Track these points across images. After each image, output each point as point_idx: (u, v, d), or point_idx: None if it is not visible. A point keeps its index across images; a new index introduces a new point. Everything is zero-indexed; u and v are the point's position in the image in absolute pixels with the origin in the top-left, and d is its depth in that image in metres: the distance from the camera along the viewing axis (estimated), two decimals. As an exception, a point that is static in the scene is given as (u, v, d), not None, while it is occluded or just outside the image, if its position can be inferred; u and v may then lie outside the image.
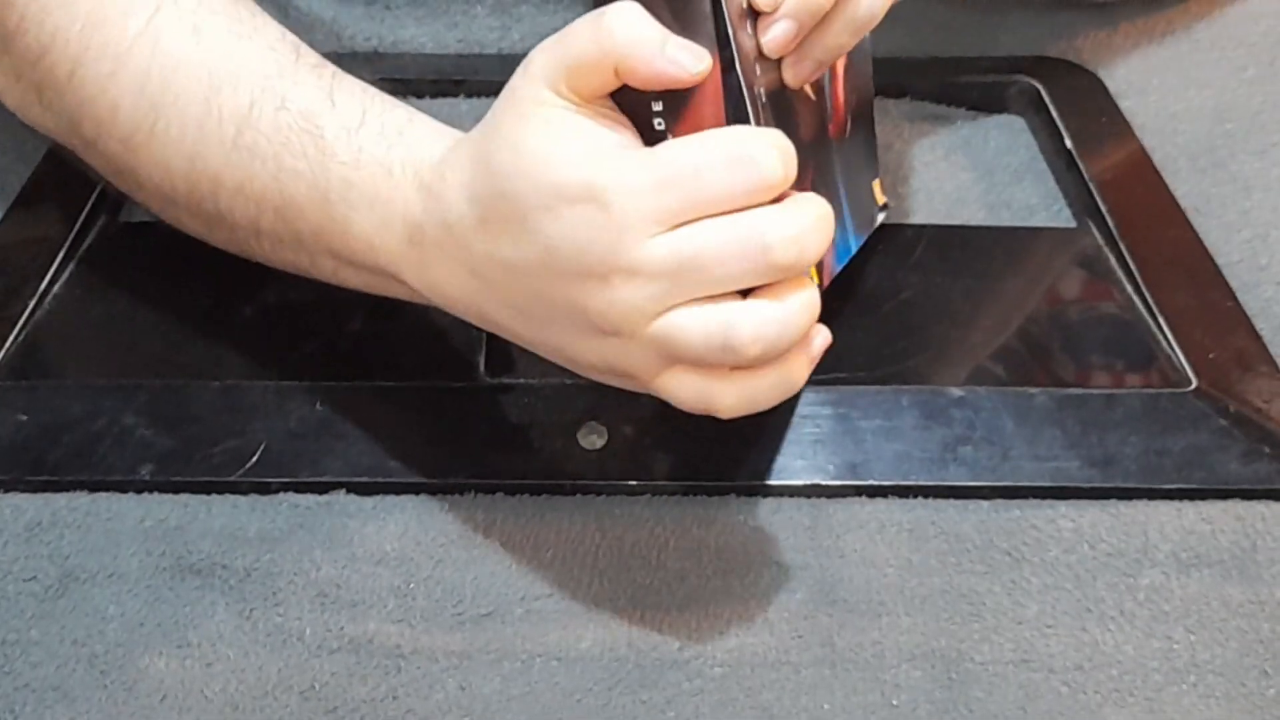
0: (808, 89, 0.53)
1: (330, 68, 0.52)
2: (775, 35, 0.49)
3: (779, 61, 0.51)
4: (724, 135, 0.42)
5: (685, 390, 0.44)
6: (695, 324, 0.42)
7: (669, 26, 0.44)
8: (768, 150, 0.42)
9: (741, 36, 0.48)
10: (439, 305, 0.49)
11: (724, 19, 0.45)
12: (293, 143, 0.50)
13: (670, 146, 0.42)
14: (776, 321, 0.42)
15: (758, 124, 0.47)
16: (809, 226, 0.42)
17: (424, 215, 0.47)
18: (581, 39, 0.43)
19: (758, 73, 0.49)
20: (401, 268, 0.49)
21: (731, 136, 0.42)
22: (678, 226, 0.42)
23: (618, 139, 0.43)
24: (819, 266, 0.55)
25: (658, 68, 0.42)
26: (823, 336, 0.45)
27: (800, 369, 0.44)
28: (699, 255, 0.41)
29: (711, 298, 0.42)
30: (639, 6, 0.43)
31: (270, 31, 0.53)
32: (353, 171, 0.49)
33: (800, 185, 0.53)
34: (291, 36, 0.54)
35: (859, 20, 0.51)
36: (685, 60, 0.42)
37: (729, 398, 0.44)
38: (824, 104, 0.56)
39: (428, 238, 0.47)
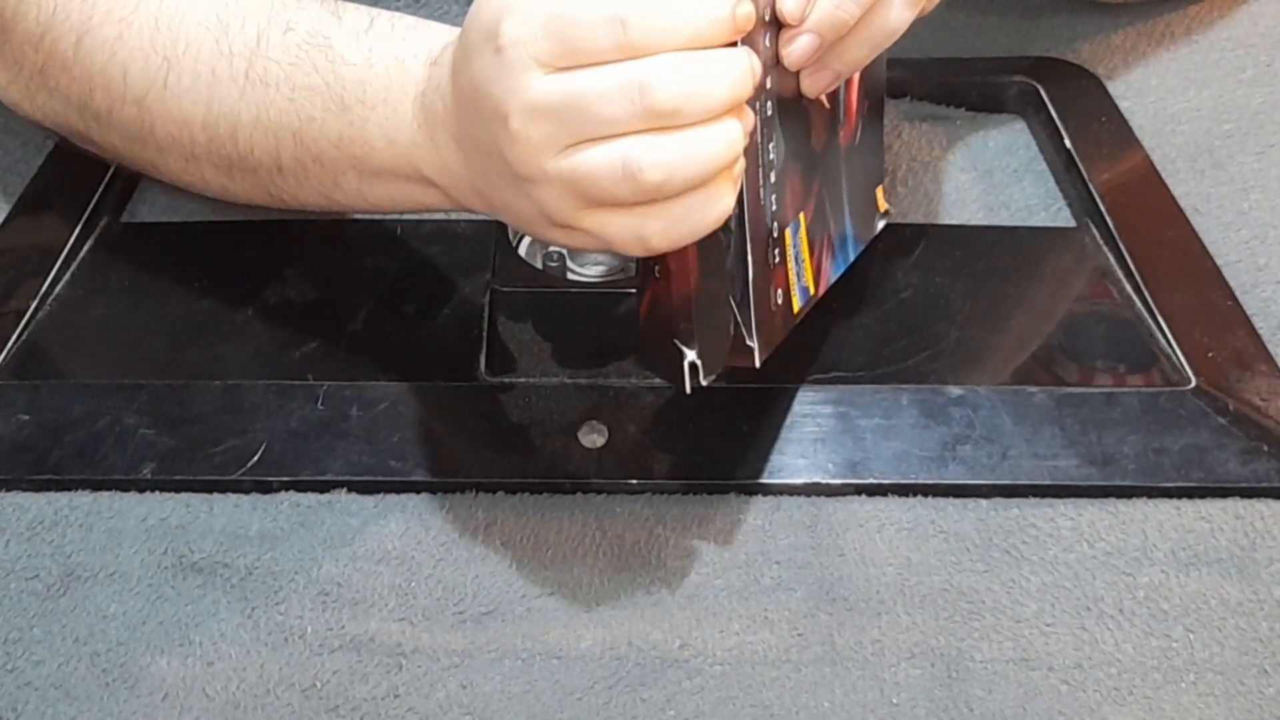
0: (823, 97, 0.53)
1: None
2: (797, 48, 0.49)
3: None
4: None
5: (613, 228, 0.44)
6: (594, 158, 0.43)
7: None
8: (646, 15, 0.42)
9: (759, 44, 0.48)
10: (452, 195, 0.50)
11: None
12: (303, 61, 0.50)
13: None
14: (676, 147, 0.42)
15: (754, 136, 0.47)
16: (700, 75, 0.42)
17: (428, 88, 0.48)
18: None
19: (769, 84, 0.49)
20: (416, 156, 0.49)
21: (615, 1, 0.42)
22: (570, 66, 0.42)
23: None
24: (815, 272, 0.55)
25: None
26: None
27: (724, 190, 0.44)
28: (582, 95, 0.42)
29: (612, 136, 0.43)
30: None
31: None
32: (365, 71, 0.50)
33: (808, 196, 0.54)
34: None
35: (880, 35, 0.51)
36: None
37: (660, 225, 0.44)
38: (837, 111, 0.56)
39: (431, 111, 0.48)
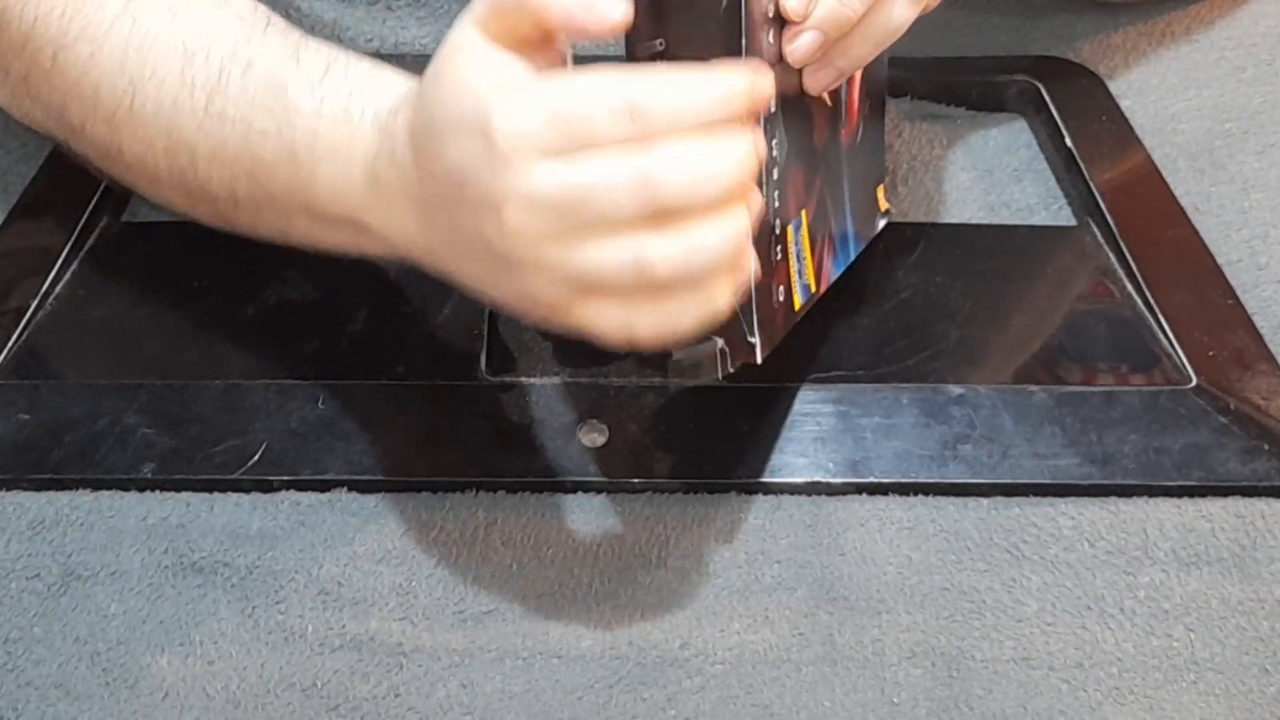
0: (825, 95, 0.53)
1: (298, 32, 0.53)
2: (801, 45, 0.49)
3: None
4: (617, 79, 0.41)
5: (604, 320, 0.44)
6: (601, 252, 0.42)
7: (687, 28, 0.44)
8: (660, 100, 0.41)
9: (762, 42, 0.48)
10: (400, 251, 0.49)
11: (740, 24, 0.45)
12: (259, 102, 0.50)
13: (563, 80, 0.42)
14: (686, 243, 0.41)
15: (769, 137, 0.47)
16: (706, 168, 0.41)
17: (379, 153, 0.48)
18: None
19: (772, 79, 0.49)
20: (364, 213, 0.49)
21: (625, 82, 0.41)
22: (568, 156, 0.41)
23: (521, 71, 0.43)
24: (817, 270, 0.55)
25: (572, 17, 0.42)
26: (753, 263, 0.45)
27: (722, 291, 0.43)
28: (584, 189, 0.41)
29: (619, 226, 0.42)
30: None
31: (242, 2, 0.54)
32: (316, 122, 0.49)
33: (810, 193, 0.54)
34: (264, 8, 0.54)
35: (883, 33, 0.51)
36: (601, 9, 0.42)
37: (648, 325, 0.43)
38: (839, 109, 0.56)
39: (381, 177, 0.47)
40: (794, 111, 0.51)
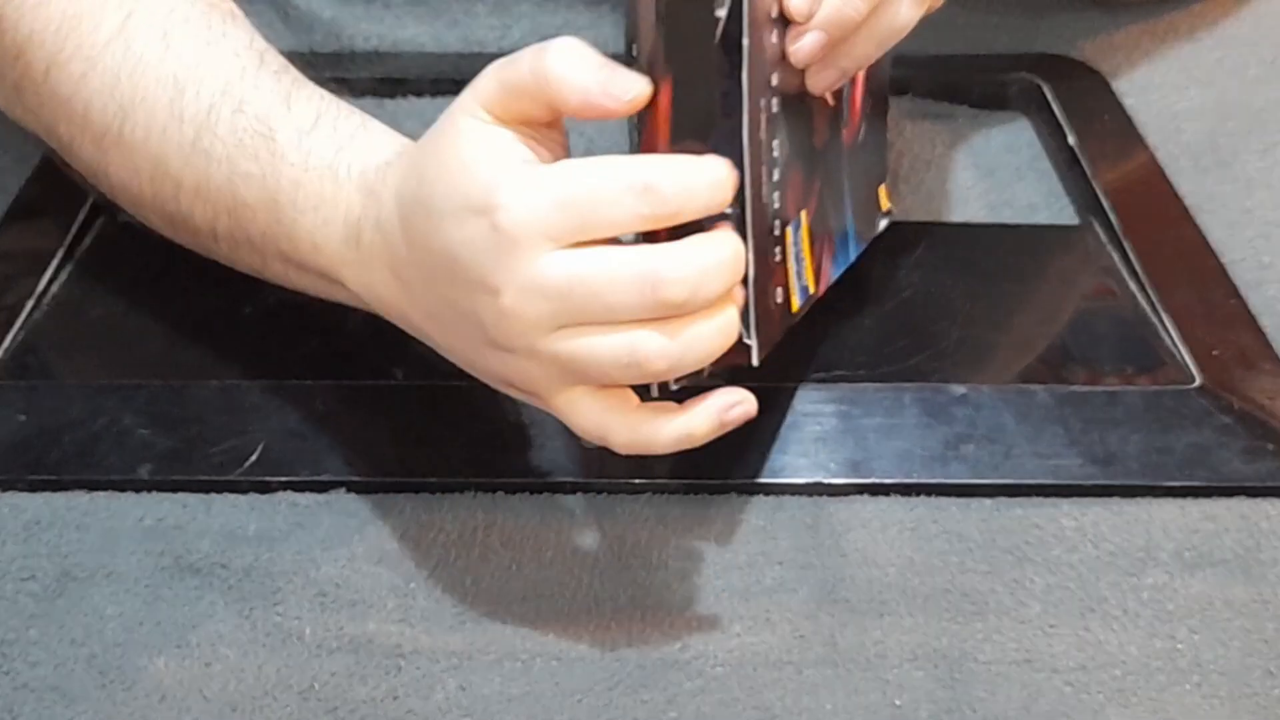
0: (827, 94, 0.53)
1: (292, 74, 0.53)
2: (804, 45, 0.49)
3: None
4: (629, 161, 0.42)
5: (583, 414, 0.45)
6: (599, 345, 0.42)
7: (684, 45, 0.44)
8: (672, 181, 0.42)
9: (765, 42, 0.48)
10: (374, 309, 0.50)
11: (740, 25, 0.45)
12: (246, 145, 0.50)
13: (573, 165, 0.42)
14: (682, 339, 0.42)
15: (754, 135, 0.47)
16: (707, 269, 0.42)
17: (363, 216, 0.47)
18: (521, 67, 0.43)
19: (774, 81, 0.49)
20: (341, 270, 0.49)
21: (635, 163, 0.42)
22: (575, 245, 0.42)
23: (529, 155, 0.43)
24: (816, 271, 0.55)
25: (589, 96, 0.42)
26: (742, 408, 0.46)
27: (703, 425, 0.45)
28: (590, 281, 0.42)
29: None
30: (581, 44, 0.43)
31: (238, 37, 0.54)
32: (301, 174, 0.49)
33: (809, 193, 0.53)
34: (260, 43, 0.54)
35: (888, 33, 0.51)
36: (618, 90, 0.42)
37: (623, 433, 0.45)
38: (841, 109, 0.56)
39: (364, 239, 0.47)
40: (795, 111, 0.51)
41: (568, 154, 0.45)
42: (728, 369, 0.49)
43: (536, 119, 0.44)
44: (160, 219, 0.55)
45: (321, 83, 0.75)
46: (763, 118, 0.48)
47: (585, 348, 0.42)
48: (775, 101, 0.49)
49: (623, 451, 0.45)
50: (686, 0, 0.41)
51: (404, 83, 0.74)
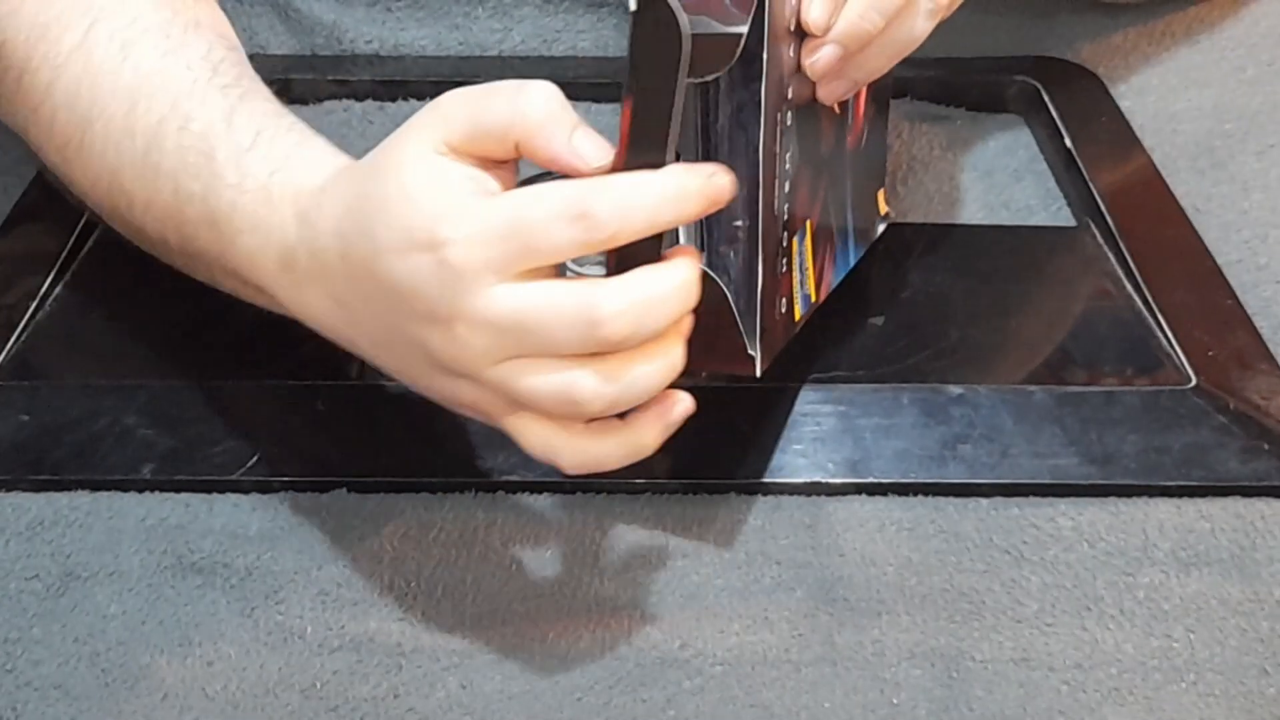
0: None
1: (243, 86, 0.53)
2: (821, 59, 0.50)
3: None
4: (564, 189, 0.42)
5: (530, 437, 0.45)
6: (538, 381, 0.43)
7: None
8: (607, 206, 0.41)
9: (783, 55, 0.48)
10: (312, 327, 0.49)
11: (761, 40, 0.46)
12: (189, 163, 0.50)
13: (512, 197, 0.42)
14: (620, 381, 0.43)
15: (769, 149, 0.47)
16: (650, 303, 0.42)
17: (297, 241, 0.47)
18: (497, 110, 0.43)
19: (789, 94, 0.49)
20: (276, 289, 0.49)
21: (572, 191, 0.42)
22: (523, 276, 0.42)
23: (474, 187, 0.43)
24: (817, 279, 0.55)
25: (558, 153, 0.42)
26: (682, 406, 0.46)
27: (650, 436, 0.45)
28: (531, 317, 0.42)
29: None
30: (557, 94, 0.43)
31: (195, 48, 0.53)
32: (238, 195, 0.49)
33: (814, 201, 0.53)
34: (219, 53, 0.54)
35: (901, 45, 0.52)
36: (586, 153, 0.42)
37: (571, 455, 0.45)
38: (846, 115, 0.56)
39: (299, 263, 0.47)
40: (804, 120, 0.51)
41: (515, 183, 0.45)
42: (729, 376, 0.49)
43: (496, 158, 0.44)
44: (122, 228, 0.56)
45: (320, 85, 0.76)
46: (777, 131, 0.48)
47: (526, 383, 0.43)
48: (789, 114, 0.49)
49: (572, 472, 0.45)
50: (649, 22, 0.41)
51: (405, 85, 0.74)
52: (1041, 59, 0.76)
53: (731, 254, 0.49)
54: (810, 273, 0.54)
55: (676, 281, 0.43)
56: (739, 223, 0.48)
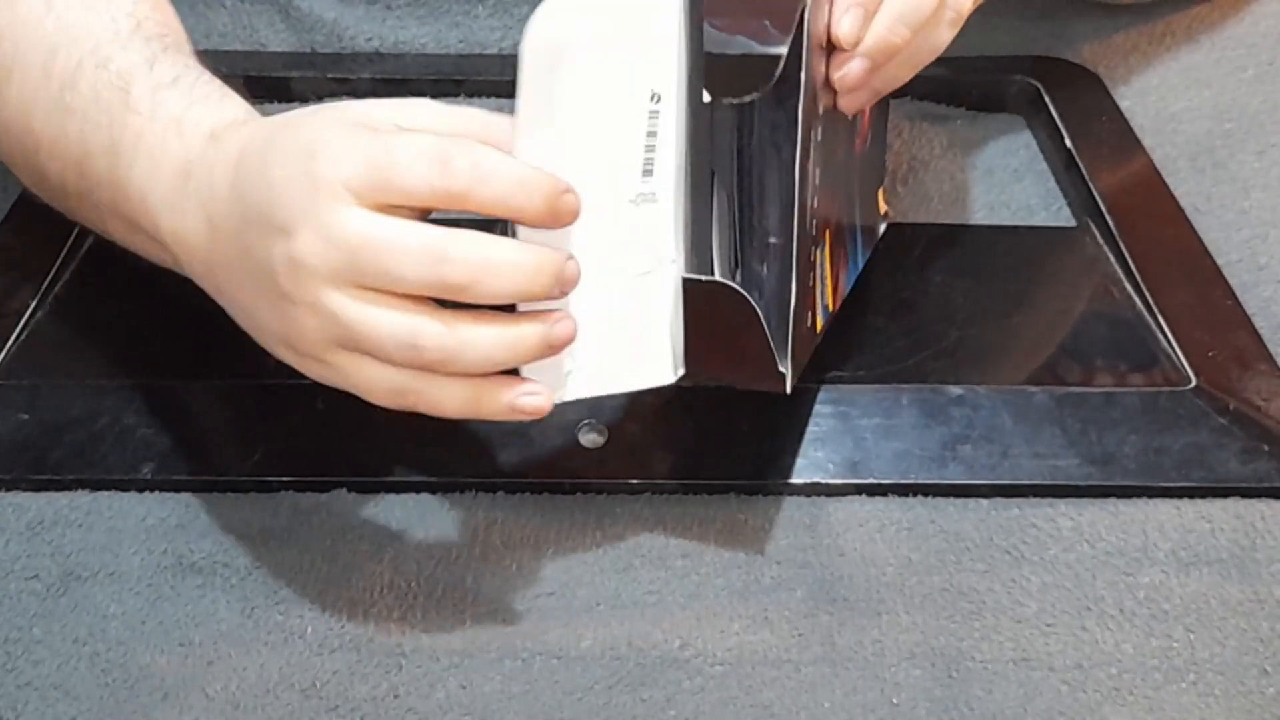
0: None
1: (168, 42, 0.54)
2: (850, 72, 0.50)
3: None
4: (435, 139, 0.43)
5: (365, 374, 0.45)
6: (379, 318, 0.43)
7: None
8: (467, 162, 0.42)
9: (817, 69, 0.48)
10: (180, 261, 0.50)
11: (800, 63, 0.46)
12: (102, 98, 0.51)
13: (390, 135, 0.43)
14: (460, 335, 0.43)
15: (805, 164, 0.48)
16: (492, 260, 0.43)
17: (199, 159, 0.48)
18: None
19: (820, 109, 0.49)
20: (159, 215, 0.49)
21: (442, 141, 0.43)
22: (381, 209, 0.43)
23: (369, 124, 0.44)
24: (834, 289, 0.55)
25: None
26: (534, 398, 0.46)
27: (491, 402, 0.45)
28: (381, 242, 0.42)
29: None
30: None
31: (122, 6, 0.54)
32: (147, 123, 0.50)
33: (830, 212, 0.53)
34: (144, 10, 0.55)
35: (924, 55, 0.53)
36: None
37: (418, 388, 0.45)
38: (854, 120, 0.56)
39: (190, 182, 0.48)
40: (827, 132, 0.51)
41: None
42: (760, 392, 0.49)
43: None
44: (26, 176, 0.57)
45: (320, 83, 0.75)
46: (810, 148, 0.48)
47: (368, 316, 0.43)
48: (819, 130, 0.49)
49: (426, 409, 0.45)
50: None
51: (405, 83, 0.74)
52: (1041, 59, 0.76)
53: (765, 270, 0.48)
54: (829, 283, 0.55)
55: (527, 256, 0.43)
56: (773, 240, 0.48)
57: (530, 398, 0.45)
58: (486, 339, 0.44)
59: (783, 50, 0.46)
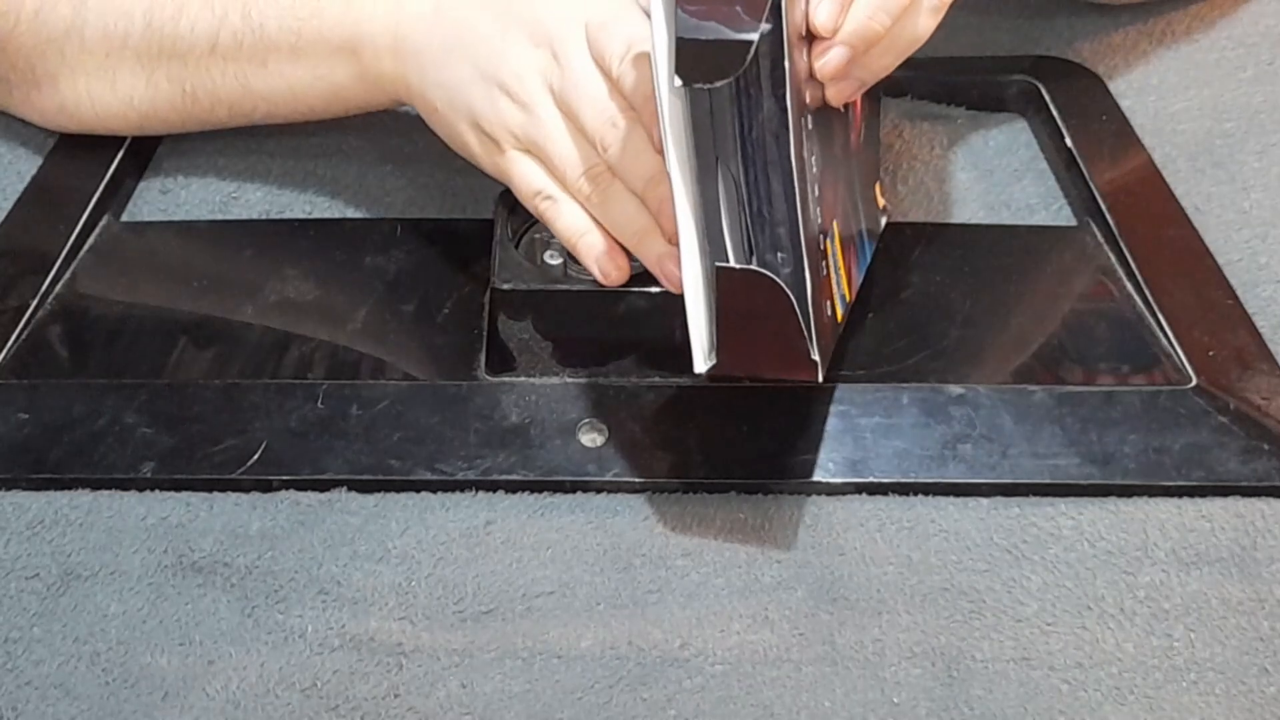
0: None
1: None
2: (830, 60, 0.50)
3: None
4: (617, 110, 0.51)
5: (521, 169, 0.53)
6: (565, 133, 0.52)
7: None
8: (626, 141, 0.51)
9: (798, 60, 0.48)
10: (372, 66, 0.53)
11: (781, 48, 0.46)
12: None
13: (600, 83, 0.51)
14: (610, 189, 0.52)
15: (800, 151, 0.47)
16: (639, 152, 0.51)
17: None
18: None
19: (807, 99, 0.49)
20: (376, 14, 0.53)
21: (621, 113, 0.51)
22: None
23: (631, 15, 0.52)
24: (848, 278, 0.55)
25: None
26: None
27: (653, 242, 0.52)
28: (584, 88, 0.52)
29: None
30: None
31: None
32: None
33: (835, 202, 0.53)
34: None
35: (906, 43, 0.52)
36: None
37: (533, 186, 0.54)
38: (848, 114, 0.56)
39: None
40: (820, 124, 0.51)
41: None
42: (792, 382, 0.49)
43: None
44: (139, 59, 0.57)
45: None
46: (803, 135, 0.48)
47: (557, 121, 0.52)
48: (809, 119, 0.49)
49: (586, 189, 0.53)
50: None
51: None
52: (1041, 59, 0.76)
53: (779, 259, 0.48)
54: (843, 273, 0.54)
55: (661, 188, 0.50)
56: (782, 229, 0.48)
57: (676, 270, 0.49)
58: (632, 205, 0.51)
59: (753, 36, 0.45)
